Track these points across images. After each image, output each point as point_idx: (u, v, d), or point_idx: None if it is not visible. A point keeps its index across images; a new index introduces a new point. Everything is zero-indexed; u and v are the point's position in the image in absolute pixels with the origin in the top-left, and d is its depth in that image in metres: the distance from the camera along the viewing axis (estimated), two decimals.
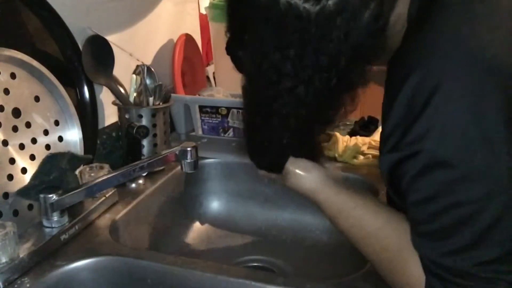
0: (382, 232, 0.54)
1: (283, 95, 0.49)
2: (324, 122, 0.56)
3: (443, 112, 0.42)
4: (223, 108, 1.10)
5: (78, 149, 0.79)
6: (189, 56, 1.21)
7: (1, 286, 0.59)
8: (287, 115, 0.51)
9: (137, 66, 0.96)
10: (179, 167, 0.79)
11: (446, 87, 0.42)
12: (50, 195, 0.67)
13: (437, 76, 0.42)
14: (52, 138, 0.75)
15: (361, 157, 1.01)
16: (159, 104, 0.95)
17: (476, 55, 0.42)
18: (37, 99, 0.73)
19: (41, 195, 0.68)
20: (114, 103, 0.93)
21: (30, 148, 0.71)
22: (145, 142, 0.93)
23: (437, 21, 0.45)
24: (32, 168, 0.70)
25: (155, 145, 0.95)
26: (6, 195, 0.66)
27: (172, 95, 1.04)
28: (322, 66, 0.46)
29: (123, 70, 0.94)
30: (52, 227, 0.69)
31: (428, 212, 0.46)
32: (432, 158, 0.43)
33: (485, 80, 0.41)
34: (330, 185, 0.60)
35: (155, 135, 0.94)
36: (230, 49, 0.57)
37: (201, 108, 1.12)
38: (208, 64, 1.42)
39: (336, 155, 1.03)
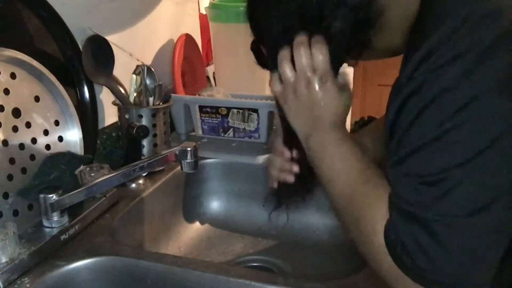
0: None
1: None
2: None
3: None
4: (223, 108, 1.10)
5: (78, 149, 0.79)
6: (189, 56, 1.21)
7: (1, 286, 0.59)
8: None
9: (137, 66, 0.96)
10: (179, 167, 0.79)
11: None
12: (50, 195, 0.68)
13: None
14: (52, 138, 0.75)
15: None
16: (159, 104, 0.95)
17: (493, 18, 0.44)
18: (37, 99, 0.73)
19: (41, 195, 0.68)
20: (114, 103, 0.93)
21: (30, 148, 0.71)
22: (145, 142, 0.93)
23: None
24: (32, 168, 0.70)
25: (155, 145, 0.95)
26: (6, 195, 0.66)
27: (172, 95, 1.04)
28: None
29: (123, 70, 0.94)
30: (52, 227, 0.69)
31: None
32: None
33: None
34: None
35: (155, 135, 0.94)
36: (255, 45, 0.61)
37: (201, 108, 1.12)
38: (208, 64, 1.42)
39: None
